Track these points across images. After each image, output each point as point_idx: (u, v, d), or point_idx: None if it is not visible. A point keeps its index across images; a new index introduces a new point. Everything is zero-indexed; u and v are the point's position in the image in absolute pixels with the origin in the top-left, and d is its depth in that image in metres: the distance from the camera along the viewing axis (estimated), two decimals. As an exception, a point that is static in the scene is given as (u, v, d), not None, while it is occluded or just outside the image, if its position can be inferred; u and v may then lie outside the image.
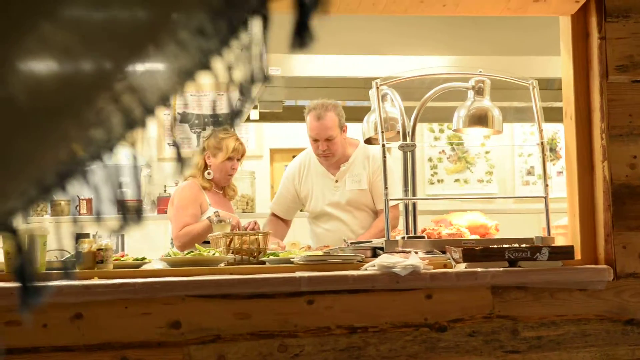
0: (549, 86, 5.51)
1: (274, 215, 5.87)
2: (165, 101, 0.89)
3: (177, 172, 0.96)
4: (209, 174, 5.58)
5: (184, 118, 8.34)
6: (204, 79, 0.91)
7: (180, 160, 0.97)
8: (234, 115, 0.99)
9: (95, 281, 3.51)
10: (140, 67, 0.86)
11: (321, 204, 5.62)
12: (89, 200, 7.44)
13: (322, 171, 5.65)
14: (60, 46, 0.76)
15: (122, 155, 0.92)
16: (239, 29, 0.87)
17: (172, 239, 5.59)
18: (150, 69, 0.87)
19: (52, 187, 0.86)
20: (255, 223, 5.39)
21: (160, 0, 0.82)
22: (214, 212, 5.25)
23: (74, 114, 0.82)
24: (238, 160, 5.65)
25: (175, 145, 1.01)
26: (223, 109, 1.04)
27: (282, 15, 0.90)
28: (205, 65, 0.88)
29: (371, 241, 4.50)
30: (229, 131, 5.65)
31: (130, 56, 0.83)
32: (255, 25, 0.89)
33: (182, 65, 0.87)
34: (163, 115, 0.90)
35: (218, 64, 0.90)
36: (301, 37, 0.87)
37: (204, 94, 8.29)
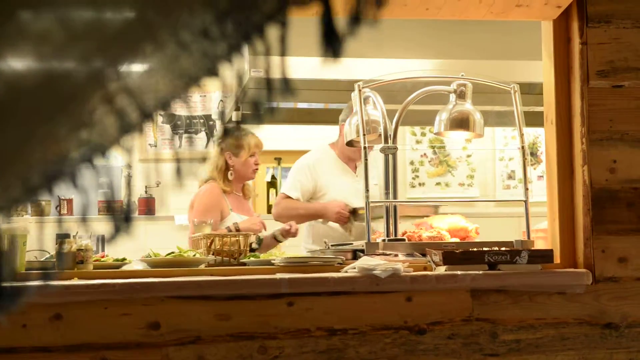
0: (531, 90, 5.52)
1: (289, 197, 5.76)
2: (165, 106, 0.86)
3: (177, 179, 0.94)
4: (231, 174, 5.52)
5: (166, 119, 8.32)
6: (210, 85, 0.88)
7: (180, 166, 0.95)
8: (243, 123, 0.97)
9: (75, 282, 3.51)
10: (137, 69, 0.83)
11: (344, 193, 5.59)
12: (69, 201, 7.41)
13: (342, 166, 5.68)
14: (46, 42, 0.75)
15: (109, 157, 0.89)
16: (252, 35, 0.84)
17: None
18: (149, 71, 0.83)
19: (38, 188, 0.84)
20: (291, 226, 5.35)
21: None
22: (234, 224, 5.19)
23: (62, 113, 0.79)
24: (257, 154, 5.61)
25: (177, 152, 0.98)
26: (231, 115, 1.02)
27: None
28: (212, 71, 0.85)
29: (352, 243, 4.50)
30: (244, 128, 5.59)
31: (123, 54, 0.80)
32: (273, 32, 0.86)
33: (184, 68, 0.83)
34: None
35: (227, 71, 0.87)
36: (333, 47, 0.85)
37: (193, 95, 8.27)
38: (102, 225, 0.94)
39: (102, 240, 7.13)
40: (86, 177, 0.85)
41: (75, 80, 0.77)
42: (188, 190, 8.00)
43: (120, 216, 0.89)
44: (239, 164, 5.51)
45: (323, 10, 0.83)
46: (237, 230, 5.11)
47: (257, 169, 5.64)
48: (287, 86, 0.88)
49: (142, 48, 0.80)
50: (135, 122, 0.83)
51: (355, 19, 0.83)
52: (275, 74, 0.88)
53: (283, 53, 0.86)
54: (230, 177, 5.50)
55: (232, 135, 1.00)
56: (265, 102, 0.90)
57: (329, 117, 5.69)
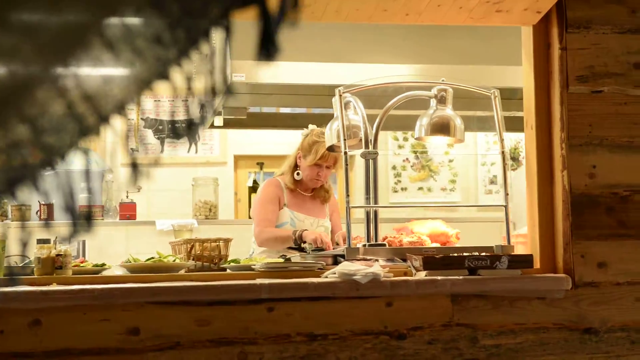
0: (512, 96, 5.54)
1: None
2: (120, 110, 0.87)
3: (132, 181, 0.94)
4: (297, 174, 5.45)
5: (147, 124, 8.30)
6: (162, 88, 0.90)
7: (136, 169, 0.95)
8: (194, 125, 0.98)
9: (54, 287, 3.49)
10: (95, 75, 0.84)
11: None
12: (50, 206, 7.38)
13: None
14: (1, 46, 0.75)
15: (77, 160, 0.90)
16: (199, 39, 0.86)
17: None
18: (105, 76, 0.85)
19: (1, 193, 0.84)
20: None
21: (107, 4, 0.80)
22: (300, 230, 5.10)
23: (21, 117, 0.80)
24: (328, 167, 5.43)
25: (132, 153, 0.99)
26: (183, 118, 1.03)
27: (247, 23, 0.90)
28: (163, 75, 0.87)
29: (333, 248, 4.50)
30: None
31: (80, 60, 0.81)
32: (218, 36, 0.88)
33: (138, 73, 0.85)
34: (129, 119, 0.88)
35: (177, 74, 0.88)
36: (267, 49, 0.86)
37: (170, 99, 8.27)
38: (65, 230, 0.94)
39: (82, 246, 7.11)
40: (51, 182, 0.85)
41: (32, 85, 0.77)
42: (168, 195, 8.00)
43: (82, 219, 0.90)
44: (304, 168, 5.43)
45: (260, 13, 0.84)
46: (300, 237, 5.05)
47: (317, 180, 5.47)
48: (229, 89, 0.90)
49: (99, 55, 0.81)
50: (93, 126, 0.84)
51: (279, 20, 0.85)
52: (219, 77, 0.90)
53: (227, 57, 0.88)
54: (296, 177, 5.45)
55: (189, 137, 1.01)
56: (209, 104, 0.91)
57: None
